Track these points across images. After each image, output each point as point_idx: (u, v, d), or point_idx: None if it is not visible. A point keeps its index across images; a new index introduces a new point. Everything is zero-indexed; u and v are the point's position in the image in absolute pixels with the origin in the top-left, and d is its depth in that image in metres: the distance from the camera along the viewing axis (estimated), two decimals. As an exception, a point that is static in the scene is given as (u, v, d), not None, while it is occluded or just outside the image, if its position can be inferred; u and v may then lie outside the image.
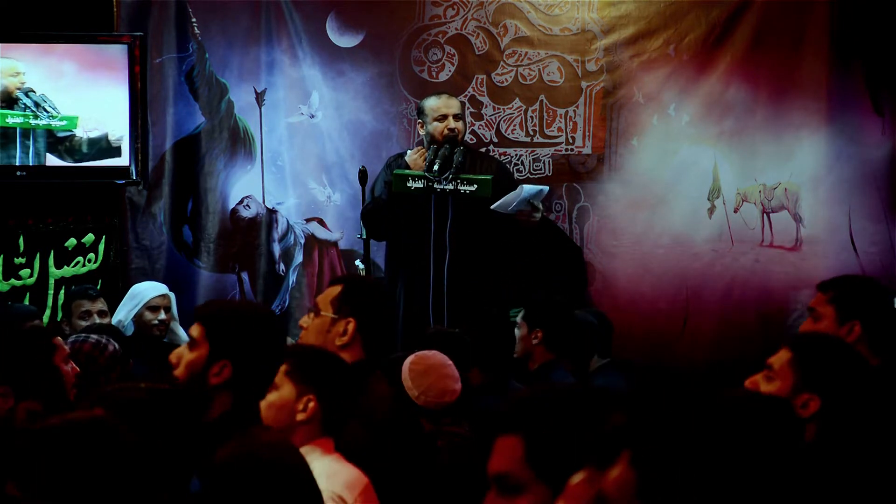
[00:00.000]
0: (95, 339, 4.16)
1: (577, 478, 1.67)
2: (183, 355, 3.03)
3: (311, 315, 3.55)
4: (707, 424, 1.62)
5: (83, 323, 5.48)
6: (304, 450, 2.95)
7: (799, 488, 1.64)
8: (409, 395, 3.84)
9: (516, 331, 4.92)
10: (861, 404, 2.82)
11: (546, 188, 5.93)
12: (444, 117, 5.84)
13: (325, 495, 2.78)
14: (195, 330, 3.05)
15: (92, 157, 6.29)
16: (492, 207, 5.66)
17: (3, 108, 6.17)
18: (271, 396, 3.02)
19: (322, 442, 3.03)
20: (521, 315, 5.00)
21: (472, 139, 6.53)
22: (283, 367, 3.04)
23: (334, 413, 3.05)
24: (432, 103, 5.90)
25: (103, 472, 2.13)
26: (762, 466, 1.61)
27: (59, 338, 3.89)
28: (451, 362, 3.95)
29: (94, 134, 6.28)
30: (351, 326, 3.47)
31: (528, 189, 5.73)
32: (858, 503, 2.54)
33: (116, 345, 4.20)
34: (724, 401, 1.69)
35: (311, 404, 3.01)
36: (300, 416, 3.01)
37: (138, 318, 5.68)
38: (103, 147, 6.30)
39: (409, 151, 5.95)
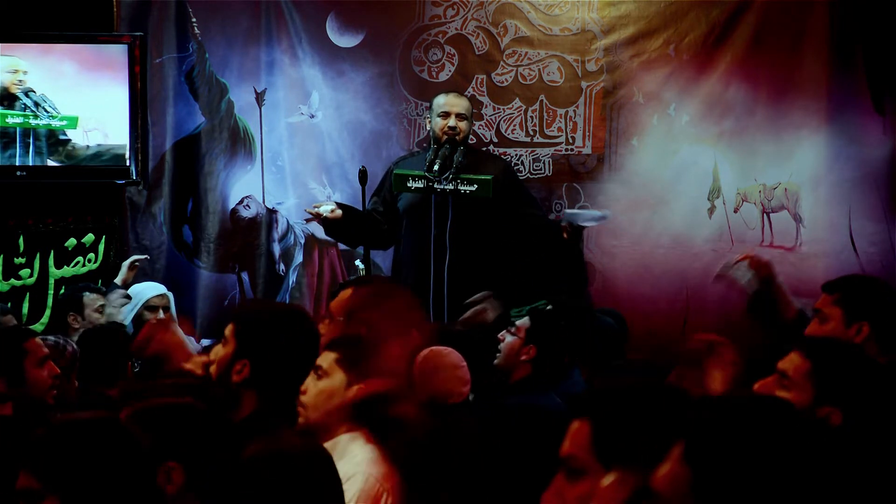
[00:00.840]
0: (53, 341, 4.21)
1: (608, 479, 1.68)
2: (218, 352, 3.08)
3: (327, 321, 3.61)
4: (752, 423, 1.63)
5: (98, 317, 5.50)
6: (350, 435, 3.01)
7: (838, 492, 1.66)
8: (416, 389, 3.84)
9: None
10: (882, 416, 2.79)
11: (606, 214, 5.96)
12: (446, 114, 5.82)
13: (365, 476, 2.87)
14: (228, 328, 3.09)
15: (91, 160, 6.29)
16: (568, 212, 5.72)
17: (3, 108, 6.17)
18: (322, 383, 3.08)
19: (364, 431, 3.08)
20: None
21: (472, 139, 6.52)
22: (333, 356, 3.12)
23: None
24: (440, 100, 5.90)
25: (116, 470, 2.16)
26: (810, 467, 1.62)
27: (36, 339, 3.92)
28: (465, 364, 3.93)
29: (94, 140, 6.27)
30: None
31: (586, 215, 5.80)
32: None
33: (74, 344, 4.25)
34: (766, 402, 1.71)
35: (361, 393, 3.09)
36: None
37: (137, 319, 5.69)
38: (103, 151, 6.30)
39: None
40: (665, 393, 1.93)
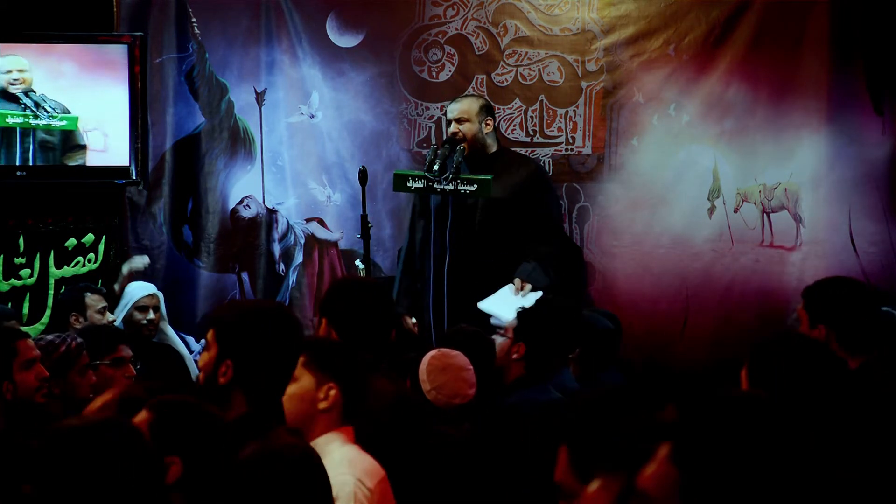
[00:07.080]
0: (48, 340, 4.18)
1: (594, 485, 1.69)
2: (203, 358, 3.11)
3: (324, 321, 3.59)
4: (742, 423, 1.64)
5: (100, 318, 5.49)
6: (325, 437, 3.01)
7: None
8: (422, 387, 3.86)
9: None
10: (821, 402, 2.84)
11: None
12: (449, 122, 5.93)
13: (345, 479, 2.86)
14: (209, 333, 3.10)
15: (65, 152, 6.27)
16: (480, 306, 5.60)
17: (2, 108, 6.17)
18: (291, 388, 3.09)
19: (343, 430, 3.08)
20: None
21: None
22: (301, 359, 3.11)
23: (353, 400, 3.12)
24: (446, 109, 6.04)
25: (121, 472, 2.14)
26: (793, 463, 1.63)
27: (27, 341, 3.90)
28: (471, 367, 3.96)
29: (94, 140, 6.26)
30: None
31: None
32: None
33: (77, 340, 4.21)
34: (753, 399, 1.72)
35: (333, 392, 3.08)
36: (322, 405, 3.08)
37: (128, 319, 5.68)
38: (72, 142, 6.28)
39: None
40: (637, 394, 1.93)
